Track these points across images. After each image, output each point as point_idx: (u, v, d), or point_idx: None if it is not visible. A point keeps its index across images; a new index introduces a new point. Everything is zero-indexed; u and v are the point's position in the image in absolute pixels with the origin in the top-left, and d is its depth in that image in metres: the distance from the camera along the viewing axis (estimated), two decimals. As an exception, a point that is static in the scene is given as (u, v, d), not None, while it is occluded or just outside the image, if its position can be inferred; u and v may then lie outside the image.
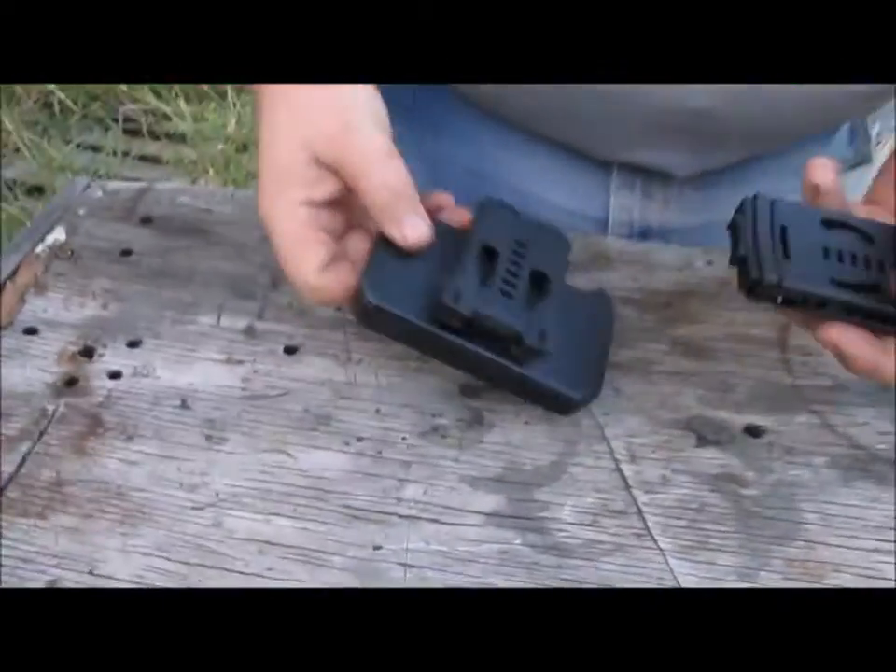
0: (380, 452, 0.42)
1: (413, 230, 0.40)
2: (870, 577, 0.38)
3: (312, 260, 0.40)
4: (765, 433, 0.44)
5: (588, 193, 0.56)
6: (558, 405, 0.42)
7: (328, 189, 0.40)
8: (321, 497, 0.41)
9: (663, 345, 0.48)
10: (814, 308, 0.40)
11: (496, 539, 0.39)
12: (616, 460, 0.42)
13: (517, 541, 0.39)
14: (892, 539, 0.39)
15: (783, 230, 0.40)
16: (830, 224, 0.41)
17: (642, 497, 0.41)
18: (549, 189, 0.56)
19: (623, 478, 0.42)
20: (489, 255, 0.41)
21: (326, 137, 0.39)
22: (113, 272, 0.52)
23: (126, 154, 1.86)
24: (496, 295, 0.40)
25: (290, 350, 0.47)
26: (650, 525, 0.40)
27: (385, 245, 0.40)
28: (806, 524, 0.40)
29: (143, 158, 1.88)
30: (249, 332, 0.48)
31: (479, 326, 0.39)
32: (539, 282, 0.42)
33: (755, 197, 0.42)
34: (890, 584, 0.38)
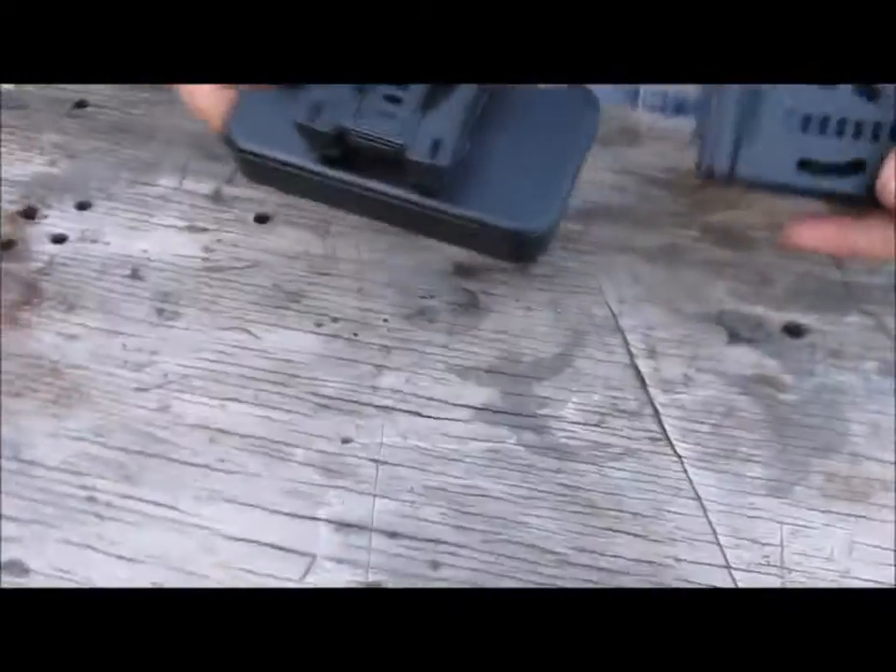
0: (356, 334, 0.36)
1: None
2: (924, 498, 0.32)
3: (210, 100, 0.33)
4: (808, 333, 0.38)
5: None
6: (505, 245, 0.32)
7: None
8: (286, 382, 0.35)
9: (693, 231, 0.42)
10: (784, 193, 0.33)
11: (485, 437, 0.34)
12: (631, 354, 0.36)
13: (511, 440, 0.34)
14: (953, 455, 0.33)
15: (756, 97, 0.32)
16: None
17: (660, 397, 0.35)
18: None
19: (639, 374, 0.36)
20: None
21: None
22: (65, 125, 0.45)
23: None
24: (374, 103, 0.30)
25: (262, 219, 0.41)
26: (667, 428, 0.34)
27: None
28: (852, 435, 0.34)
29: None
30: (215, 197, 0.42)
31: (354, 146, 0.30)
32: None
33: None
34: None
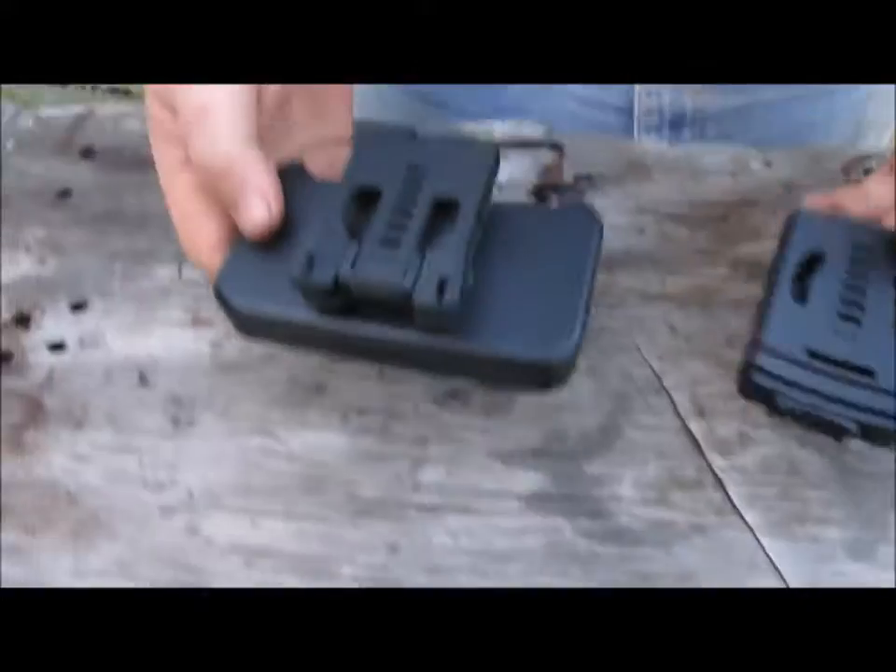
0: (387, 426, 0.34)
1: (247, 215, 0.29)
2: None
3: (203, 238, 0.31)
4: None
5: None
6: (528, 377, 0.29)
7: None
8: (318, 487, 0.33)
9: (723, 268, 0.40)
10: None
11: (540, 528, 0.31)
12: (681, 416, 0.34)
13: (567, 529, 0.31)
14: None
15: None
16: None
17: (718, 461, 0.33)
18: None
19: (693, 438, 0.33)
20: (369, 198, 0.30)
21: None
22: (49, 217, 0.42)
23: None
24: (371, 248, 0.28)
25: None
26: (732, 495, 0.32)
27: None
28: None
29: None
30: (218, 284, 0.39)
31: (356, 296, 0.28)
32: (448, 212, 0.29)
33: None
34: None
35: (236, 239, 0.31)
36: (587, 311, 0.29)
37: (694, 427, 0.34)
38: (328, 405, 0.35)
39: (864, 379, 0.27)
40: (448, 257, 0.27)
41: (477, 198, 0.29)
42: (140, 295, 0.39)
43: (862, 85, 0.49)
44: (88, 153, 0.46)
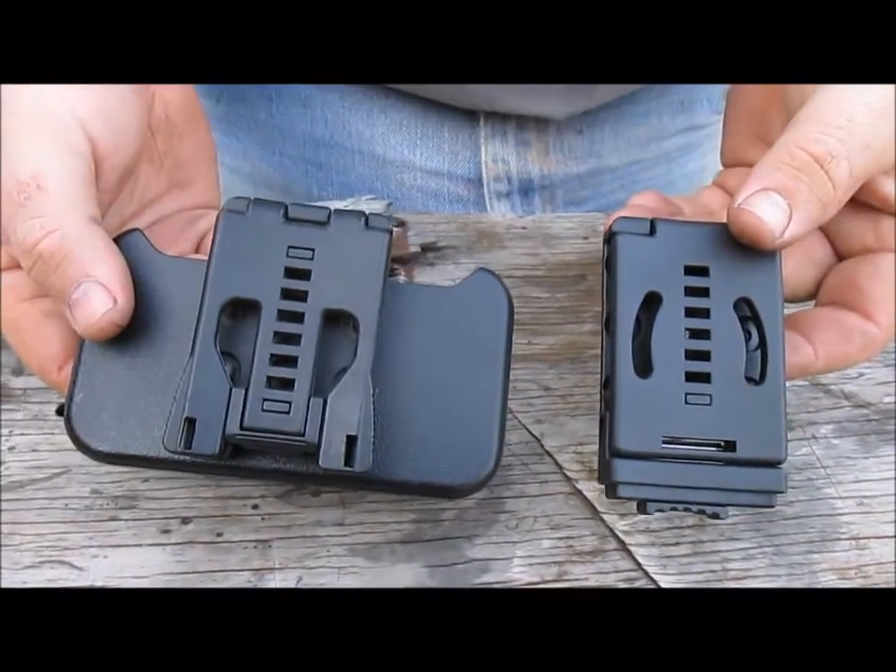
0: (220, 535, 0.27)
1: (85, 309, 0.23)
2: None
3: (44, 356, 0.25)
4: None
5: (455, 149, 0.44)
6: (445, 495, 0.26)
7: None
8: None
9: (589, 325, 0.37)
10: None
11: (422, 633, 0.25)
12: (569, 479, 0.29)
13: (456, 629, 0.25)
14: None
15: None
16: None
17: (619, 524, 0.28)
18: (409, 151, 0.44)
19: (587, 502, 0.29)
20: (245, 312, 0.24)
21: None
22: None
23: None
24: (259, 391, 0.23)
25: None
26: (641, 561, 0.27)
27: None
28: (841, 513, 0.29)
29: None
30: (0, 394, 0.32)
31: (248, 446, 0.24)
32: (339, 324, 0.25)
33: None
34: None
35: (81, 345, 0.24)
36: (503, 418, 0.25)
37: (585, 488, 0.29)
38: (141, 518, 0.28)
39: (727, 454, 0.24)
40: (351, 404, 0.23)
41: (375, 308, 0.24)
42: None
43: (696, 153, 0.50)
44: None
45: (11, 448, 0.30)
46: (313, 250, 0.24)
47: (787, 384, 0.25)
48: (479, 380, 0.25)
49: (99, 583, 0.26)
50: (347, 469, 0.22)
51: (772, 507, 0.24)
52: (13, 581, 0.26)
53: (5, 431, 0.30)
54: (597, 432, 0.26)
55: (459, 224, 0.42)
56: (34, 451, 0.30)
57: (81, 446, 0.24)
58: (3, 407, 0.31)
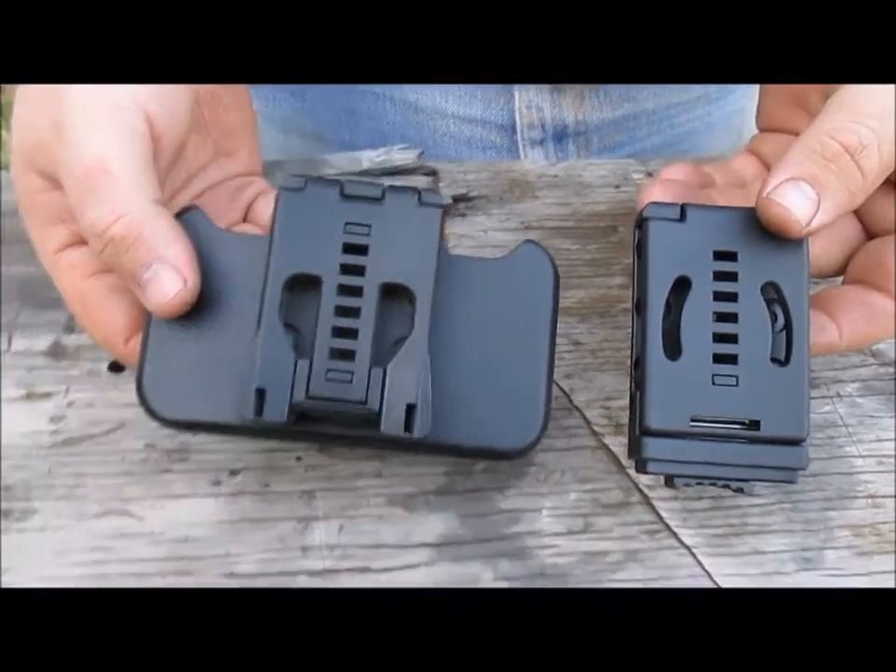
0: (267, 485, 0.29)
1: (157, 290, 0.25)
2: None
3: (111, 330, 0.27)
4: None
5: (488, 96, 0.44)
6: (495, 457, 0.28)
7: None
8: (188, 569, 0.27)
9: (619, 278, 0.37)
10: None
11: (456, 580, 0.27)
12: (596, 434, 0.31)
13: (487, 575, 0.27)
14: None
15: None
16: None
17: (643, 479, 0.29)
18: (441, 98, 0.45)
19: (613, 456, 0.30)
20: (305, 285, 0.25)
21: (41, 143, 0.26)
22: None
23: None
24: (322, 362, 0.24)
25: (117, 367, 0.33)
26: (663, 514, 0.28)
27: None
28: (859, 472, 0.30)
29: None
30: (56, 352, 0.34)
31: (313, 414, 0.25)
32: (397, 297, 0.26)
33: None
34: None
35: (149, 320, 0.26)
36: (549, 386, 0.26)
37: (612, 443, 0.30)
38: (193, 469, 0.30)
39: (751, 432, 0.25)
40: (410, 373, 0.24)
41: (430, 282, 0.25)
42: (-38, 374, 0.33)
43: (735, 95, 0.49)
44: None
45: (70, 404, 0.32)
46: (369, 226, 0.25)
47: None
48: (526, 349, 0.26)
49: (158, 530, 0.28)
50: (406, 434, 0.24)
51: (794, 482, 0.25)
52: (82, 529, 0.28)
53: (62, 388, 0.32)
54: (626, 387, 0.27)
55: (491, 172, 0.42)
56: (90, 406, 0.32)
57: (153, 415, 0.26)
58: (61, 364, 0.33)
